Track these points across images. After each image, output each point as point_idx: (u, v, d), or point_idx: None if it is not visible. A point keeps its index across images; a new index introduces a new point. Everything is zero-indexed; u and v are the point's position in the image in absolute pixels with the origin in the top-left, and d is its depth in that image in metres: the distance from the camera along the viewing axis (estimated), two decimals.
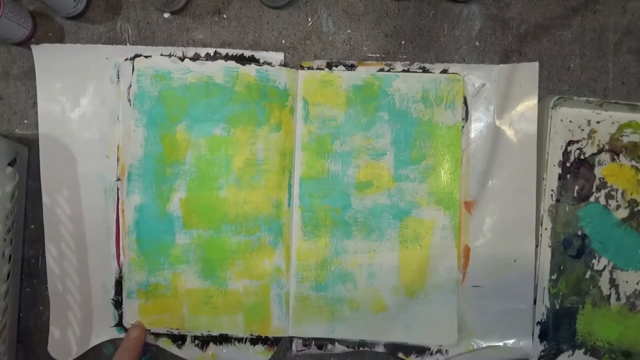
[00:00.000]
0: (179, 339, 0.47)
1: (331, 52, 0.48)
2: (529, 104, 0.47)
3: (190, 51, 0.47)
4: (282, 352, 0.48)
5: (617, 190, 0.47)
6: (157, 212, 0.46)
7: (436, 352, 0.47)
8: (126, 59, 0.47)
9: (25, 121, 0.49)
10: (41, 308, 0.48)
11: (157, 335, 0.47)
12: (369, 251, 0.46)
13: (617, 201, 0.47)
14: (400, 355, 0.47)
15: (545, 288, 0.46)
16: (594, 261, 0.47)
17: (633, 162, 0.47)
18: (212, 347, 0.47)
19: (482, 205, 0.47)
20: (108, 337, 0.48)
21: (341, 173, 0.47)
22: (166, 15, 0.49)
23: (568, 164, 0.47)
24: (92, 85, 0.47)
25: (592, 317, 0.46)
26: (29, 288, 0.49)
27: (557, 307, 0.47)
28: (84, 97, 0.47)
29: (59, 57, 0.47)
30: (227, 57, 0.47)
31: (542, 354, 0.47)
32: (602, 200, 0.47)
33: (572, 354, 0.47)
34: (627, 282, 0.47)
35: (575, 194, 0.47)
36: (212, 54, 0.47)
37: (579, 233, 0.47)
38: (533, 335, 0.46)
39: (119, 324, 0.47)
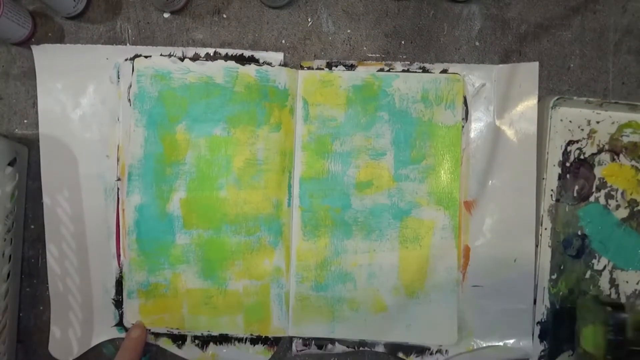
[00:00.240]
0: (179, 339, 0.47)
1: (331, 52, 0.48)
2: (529, 104, 0.47)
3: (190, 51, 0.47)
4: (282, 352, 0.48)
5: (617, 190, 0.47)
6: (157, 212, 0.46)
7: (436, 352, 0.47)
8: (126, 59, 0.47)
9: (25, 121, 0.49)
10: (41, 308, 0.48)
11: (157, 335, 0.47)
12: (369, 251, 0.46)
13: (617, 201, 0.47)
14: (400, 355, 0.47)
15: (545, 288, 0.46)
16: (594, 261, 0.47)
17: (633, 162, 0.47)
18: (212, 347, 0.47)
19: (482, 205, 0.47)
20: (109, 337, 0.48)
21: (341, 173, 0.47)
22: (166, 15, 0.49)
23: (568, 164, 0.47)
24: (92, 86, 0.47)
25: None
26: (29, 288, 0.49)
27: (557, 307, 0.47)
28: (84, 97, 0.47)
29: (59, 57, 0.47)
30: (227, 57, 0.47)
31: (542, 353, 0.47)
32: (602, 200, 0.47)
33: (572, 354, 0.47)
34: (627, 282, 0.47)
35: (575, 194, 0.47)
36: (212, 54, 0.47)
37: (579, 233, 0.47)
38: (533, 335, 0.46)
39: (120, 324, 0.47)
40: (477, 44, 0.48)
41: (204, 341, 0.47)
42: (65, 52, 0.48)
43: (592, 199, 0.47)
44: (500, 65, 0.47)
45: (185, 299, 0.46)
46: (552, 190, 0.47)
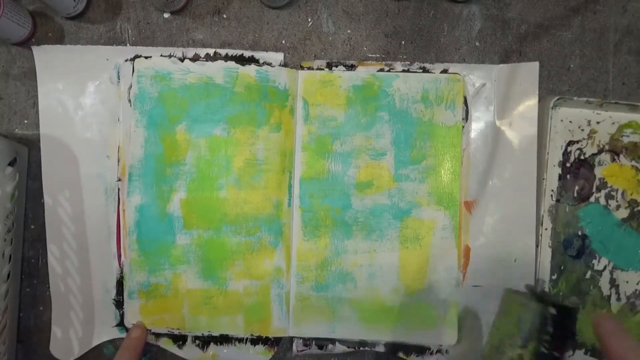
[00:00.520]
0: (179, 339, 0.47)
1: (331, 52, 0.48)
2: (529, 104, 0.47)
3: (190, 52, 0.47)
4: (283, 352, 0.48)
5: (617, 190, 0.47)
6: (158, 213, 0.46)
7: (436, 352, 0.47)
8: (126, 60, 0.47)
9: (25, 121, 0.49)
10: (41, 308, 0.48)
11: (158, 335, 0.47)
12: (369, 251, 0.46)
13: (617, 201, 0.47)
14: (401, 355, 0.47)
15: (545, 288, 0.46)
16: (594, 261, 0.47)
17: (633, 162, 0.47)
18: (212, 347, 0.47)
19: (482, 205, 0.47)
20: (109, 337, 0.48)
21: (341, 173, 0.47)
22: (166, 15, 0.49)
23: (568, 164, 0.47)
24: (93, 86, 0.47)
25: (592, 317, 0.46)
26: (29, 288, 0.49)
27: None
28: (84, 97, 0.47)
29: (59, 58, 0.47)
30: (227, 58, 0.47)
31: None
32: (602, 201, 0.47)
33: (572, 354, 0.47)
34: (627, 282, 0.47)
35: (575, 194, 0.47)
36: (212, 55, 0.47)
37: (579, 233, 0.47)
38: None
39: (120, 324, 0.47)
40: (477, 44, 0.48)
41: (204, 341, 0.47)
42: (65, 53, 0.48)
43: (592, 199, 0.47)
44: (501, 65, 0.47)
45: (185, 299, 0.46)
46: (552, 190, 0.47)
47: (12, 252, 0.46)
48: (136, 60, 0.47)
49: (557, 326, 0.36)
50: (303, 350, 0.47)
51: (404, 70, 0.47)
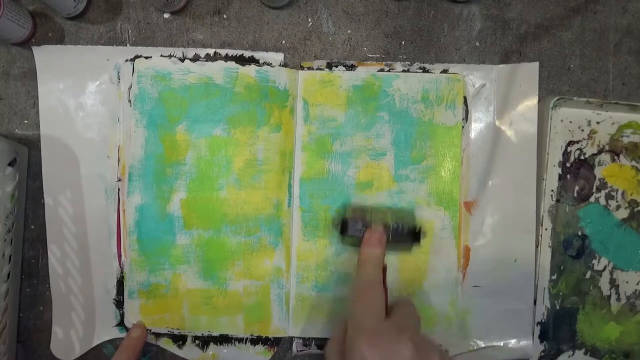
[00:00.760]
0: (179, 339, 0.47)
1: (331, 52, 0.48)
2: (529, 104, 0.47)
3: (190, 52, 0.47)
4: (282, 352, 0.48)
5: (617, 190, 0.47)
6: (158, 213, 0.46)
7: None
8: (126, 60, 0.47)
9: (25, 121, 0.49)
10: (41, 308, 0.48)
11: (157, 335, 0.47)
12: None
13: (617, 201, 0.47)
14: None
15: (545, 288, 0.46)
16: (594, 261, 0.47)
17: (633, 163, 0.47)
18: (212, 347, 0.47)
19: (482, 205, 0.47)
20: (110, 337, 0.48)
21: (341, 173, 0.47)
22: (166, 15, 0.49)
23: (568, 165, 0.47)
24: (93, 86, 0.47)
25: (592, 317, 0.47)
26: (29, 288, 0.49)
27: (558, 307, 0.47)
28: (84, 97, 0.47)
29: (59, 58, 0.47)
30: (227, 58, 0.47)
31: (543, 354, 0.47)
32: (602, 201, 0.47)
33: (573, 354, 0.47)
34: (627, 282, 0.47)
35: (575, 194, 0.47)
36: (212, 55, 0.47)
37: (579, 233, 0.47)
38: (533, 335, 0.46)
39: (121, 324, 0.47)
40: (477, 44, 0.48)
41: (204, 341, 0.47)
42: (65, 53, 0.48)
43: (592, 199, 0.47)
44: (501, 66, 0.47)
45: (185, 299, 0.46)
46: (552, 190, 0.47)
47: (12, 252, 0.46)
48: (136, 60, 0.47)
49: None
50: (303, 350, 0.47)
51: (404, 71, 0.47)
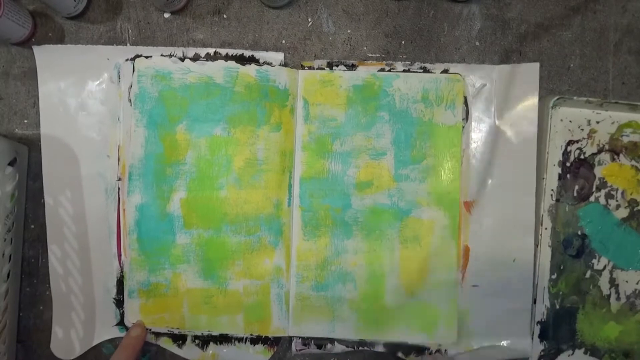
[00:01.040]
0: (179, 339, 0.47)
1: (331, 52, 0.48)
2: (529, 104, 0.47)
3: (191, 51, 0.47)
4: (282, 351, 0.48)
5: (617, 190, 0.47)
6: (158, 212, 0.46)
7: (435, 351, 0.47)
8: (127, 60, 0.47)
9: (25, 121, 0.49)
10: (41, 308, 0.48)
11: (157, 334, 0.47)
12: (369, 251, 0.46)
13: (617, 201, 0.47)
14: (400, 354, 0.47)
15: (545, 288, 0.46)
16: (594, 261, 0.47)
17: (633, 162, 0.47)
18: (212, 347, 0.47)
19: (482, 205, 0.47)
20: (110, 336, 0.48)
21: (341, 173, 0.47)
22: (166, 15, 0.49)
23: (568, 164, 0.47)
24: (93, 86, 0.47)
25: (592, 316, 0.47)
26: (29, 288, 0.49)
27: (557, 306, 0.47)
28: (85, 97, 0.47)
29: (60, 57, 0.48)
30: (227, 57, 0.47)
31: (542, 353, 0.47)
32: (602, 200, 0.47)
33: (572, 354, 0.47)
34: (627, 281, 0.47)
35: (575, 194, 0.47)
36: (212, 54, 0.47)
37: (579, 233, 0.47)
38: (533, 335, 0.46)
39: (121, 323, 0.47)
40: (477, 44, 0.48)
41: (204, 341, 0.47)
42: (66, 53, 0.48)
43: (592, 198, 0.47)
44: (501, 66, 0.47)
45: (185, 299, 0.46)
46: (552, 190, 0.47)
47: (12, 252, 0.46)
48: (136, 59, 0.47)
49: None
50: (302, 350, 0.47)
51: (404, 70, 0.47)
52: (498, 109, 0.47)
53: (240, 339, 0.47)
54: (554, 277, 0.47)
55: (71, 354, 0.47)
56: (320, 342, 0.47)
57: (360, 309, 0.46)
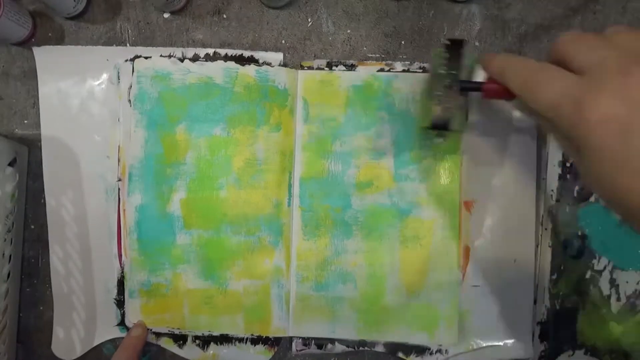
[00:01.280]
0: (180, 339, 0.47)
1: (331, 52, 0.48)
2: None
3: (190, 52, 0.47)
4: (282, 352, 0.48)
5: None
6: (158, 213, 0.46)
7: (436, 352, 0.47)
8: (126, 60, 0.47)
9: (25, 121, 0.49)
10: (41, 308, 0.48)
11: (158, 334, 0.47)
12: (369, 251, 0.46)
13: None
14: (400, 355, 0.47)
15: (545, 288, 0.46)
16: (594, 261, 0.47)
17: None
18: (212, 347, 0.47)
19: (482, 205, 0.47)
20: (111, 337, 0.48)
21: (341, 173, 0.47)
22: (166, 15, 0.49)
23: (568, 164, 0.47)
24: (93, 87, 0.47)
25: (592, 317, 0.46)
26: (29, 288, 0.49)
27: (558, 307, 0.47)
28: (85, 98, 0.47)
29: (60, 58, 0.48)
30: (226, 58, 0.47)
31: (543, 354, 0.47)
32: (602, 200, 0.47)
33: (573, 354, 0.47)
34: (627, 282, 0.47)
35: (575, 194, 0.47)
36: (211, 55, 0.47)
37: (579, 233, 0.47)
38: (533, 335, 0.46)
39: (121, 323, 0.47)
40: (477, 44, 0.48)
41: (204, 341, 0.47)
42: (65, 53, 0.48)
43: (592, 199, 0.47)
44: None
45: (186, 299, 0.46)
46: (552, 190, 0.47)
47: (12, 252, 0.46)
48: (136, 60, 0.47)
49: (449, 53, 0.37)
50: (302, 350, 0.47)
51: (404, 70, 0.47)
52: (498, 108, 0.47)
53: (240, 339, 0.47)
54: (554, 277, 0.47)
55: (72, 354, 0.48)
56: (320, 342, 0.47)
57: (361, 309, 0.46)
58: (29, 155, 0.49)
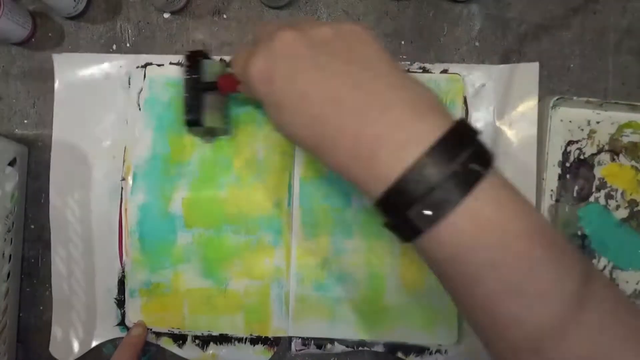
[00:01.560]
0: (179, 339, 0.48)
1: None
2: (529, 104, 0.47)
3: None
4: (282, 351, 0.48)
5: (616, 190, 0.47)
6: (160, 212, 0.46)
7: (435, 351, 0.47)
8: (138, 67, 0.48)
9: (25, 121, 0.49)
10: (41, 308, 0.48)
11: (158, 334, 0.47)
12: (369, 251, 0.46)
13: (616, 201, 0.47)
14: (400, 354, 0.47)
15: None
16: (594, 261, 0.47)
17: (633, 162, 0.47)
18: (212, 347, 0.47)
19: None
20: (110, 337, 0.48)
21: None
22: (166, 15, 0.49)
23: (568, 164, 0.47)
24: (104, 91, 0.48)
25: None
26: (29, 288, 0.49)
27: None
28: (95, 102, 0.48)
29: (77, 65, 0.48)
30: (228, 63, 0.47)
31: None
32: (602, 200, 0.47)
33: None
34: (627, 282, 0.47)
35: (575, 194, 0.47)
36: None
37: (579, 233, 0.47)
38: None
39: (122, 323, 0.47)
40: (477, 44, 0.48)
41: (204, 341, 0.47)
42: (82, 60, 0.48)
43: (592, 199, 0.47)
44: (501, 66, 0.47)
45: (185, 299, 0.46)
46: (552, 190, 0.47)
47: (12, 252, 0.46)
48: (147, 67, 0.47)
49: (190, 61, 0.42)
50: (302, 350, 0.47)
51: None
52: (497, 108, 0.47)
53: (240, 339, 0.47)
54: None
55: (70, 355, 0.47)
56: (320, 342, 0.47)
57: (360, 309, 0.46)
58: (29, 155, 0.49)
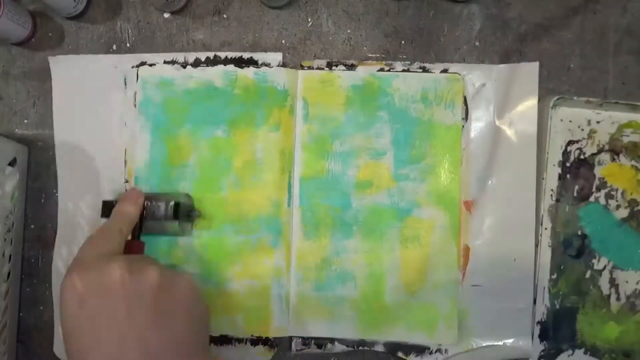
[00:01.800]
0: None
1: (331, 52, 0.48)
2: (529, 104, 0.47)
3: (191, 56, 0.48)
4: (282, 351, 0.48)
5: (617, 190, 0.47)
6: None
7: (435, 351, 0.47)
8: (132, 67, 0.47)
9: (25, 121, 0.49)
10: (41, 308, 0.48)
11: None
12: (369, 251, 0.46)
13: (617, 201, 0.47)
14: (400, 354, 0.47)
15: (545, 288, 0.46)
16: (594, 261, 0.47)
17: (633, 162, 0.47)
18: (212, 348, 0.47)
19: (482, 205, 0.47)
20: None
21: (341, 173, 0.47)
22: (166, 15, 0.49)
23: (568, 164, 0.47)
24: (102, 93, 0.48)
25: (592, 317, 0.47)
26: (29, 288, 0.49)
27: (557, 307, 0.47)
28: (94, 104, 0.48)
29: (73, 66, 0.48)
30: (226, 61, 0.48)
31: (542, 353, 0.47)
32: (602, 200, 0.47)
33: (572, 354, 0.47)
34: (627, 282, 0.47)
35: (575, 194, 0.47)
36: (212, 58, 0.48)
37: (579, 233, 0.47)
38: (533, 335, 0.46)
39: None
40: (477, 44, 0.48)
41: None
42: (78, 62, 0.48)
43: (592, 199, 0.47)
44: (501, 65, 0.47)
45: None
46: (552, 190, 0.47)
47: (12, 252, 0.46)
48: (140, 68, 0.47)
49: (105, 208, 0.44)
50: (302, 350, 0.47)
51: (404, 70, 0.47)
52: (497, 108, 0.47)
53: (240, 340, 0.47)
54: (554, 277, 0.47)
55: None
56: (320, 342, 0.47)
57: (361, 309, 0.46)
58: (29, 155, 0.49)
